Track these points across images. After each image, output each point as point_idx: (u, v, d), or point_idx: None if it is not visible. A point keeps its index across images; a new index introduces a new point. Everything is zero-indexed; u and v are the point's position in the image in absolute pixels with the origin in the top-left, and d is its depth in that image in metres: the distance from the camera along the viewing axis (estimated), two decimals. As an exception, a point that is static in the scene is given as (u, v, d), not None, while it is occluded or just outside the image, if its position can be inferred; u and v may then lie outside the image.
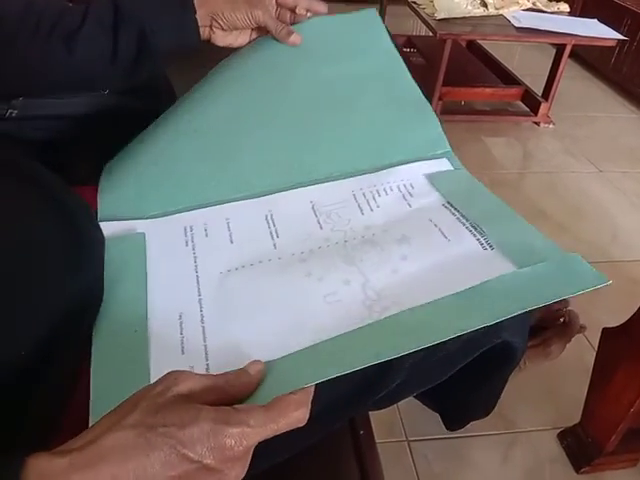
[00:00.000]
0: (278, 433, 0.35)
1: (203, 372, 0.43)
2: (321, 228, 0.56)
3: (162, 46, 0.62)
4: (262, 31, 0.70)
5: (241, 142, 0.64)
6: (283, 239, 0.55)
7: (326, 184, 0.62)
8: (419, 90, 0.69)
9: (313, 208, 0.59)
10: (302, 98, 0.68)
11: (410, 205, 0.59)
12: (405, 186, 0.61)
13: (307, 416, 0.37)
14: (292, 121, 0.66)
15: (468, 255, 0.51)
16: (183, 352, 0.45)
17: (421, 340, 0.41)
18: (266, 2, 0.67)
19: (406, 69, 0.71)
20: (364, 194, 0.60)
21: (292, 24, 0.70)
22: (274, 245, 0.55)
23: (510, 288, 0.46)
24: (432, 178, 0.62)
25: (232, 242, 0.55)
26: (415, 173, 0.63)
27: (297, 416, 0.36)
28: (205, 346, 0.45)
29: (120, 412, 0.33)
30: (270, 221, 0.57)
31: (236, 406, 0.34)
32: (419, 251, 0.52)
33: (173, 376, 0.35)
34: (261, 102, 0.67)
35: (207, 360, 0.44)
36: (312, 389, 0.38)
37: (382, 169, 0.63)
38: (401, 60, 0.71)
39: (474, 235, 0.53)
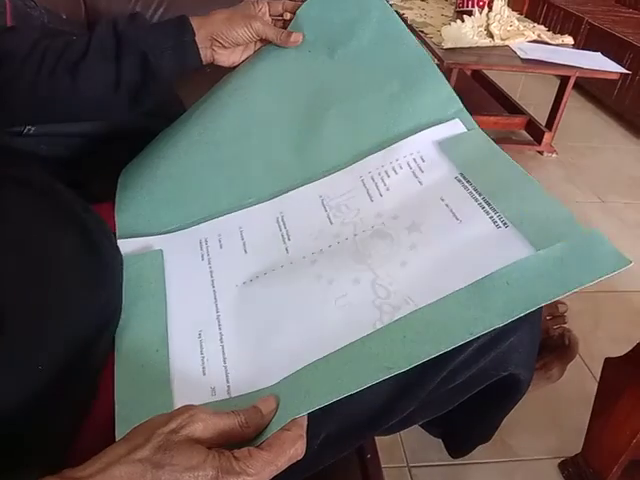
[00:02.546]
0: (279, 472, 0.36)
1: (224, 394, 0.44)
2: (331, 223, 0.56)
3: (165, 70, 0.64)
4: (264, 42, 0.71)
5: (250, 148, 0.64)
6: (294, 241, 0.55)
7: (334, 174, 0.60)
8: (423, 51, 0.66)
9: (323, 203, 0.58)
10: (305, 95, 0.67)
11: (421, 183, 0.56)
12: (415, 160, 0.58)
13: (304, 447, 0.37)
14: (297, 119, 0.65)
15: (481, 237, 0.48)
16: (204, 373, 0.45)
17: (433, 347, 0.40)
18: (260, 13, 0.68)
19: (406, 28, 0.68)
20: (372, 177, 0.58)
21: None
22: (286, 249, 0.55)
23: (525, 279, 0.42)
24: (443, 146, 0.59)
25: (246, 252, 0.56)
26: (426, 142, 0.59)
27: (295, 451, 0.36)
28: (225, 367, 0.45)
29: (132, 443, 0.34)
30: (281, 223, 0.58)
31: (236, 453, 0.35)
32: (429, 238, 0.50)
33: (189, 413, 0.36)
34: (266, 107, 0.66)
35: (228, 382, 0.44)
36: (305, 419, 0.39)
37: (391, 143, 0.60)
38: (399, 20, 0.68)
39: (487, 212, 0.50)
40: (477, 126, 0.60)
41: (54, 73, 0.60)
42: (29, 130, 0.70)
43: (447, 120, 0.62)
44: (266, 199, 0.60)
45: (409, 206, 0.54)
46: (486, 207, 0.50)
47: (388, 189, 0.57)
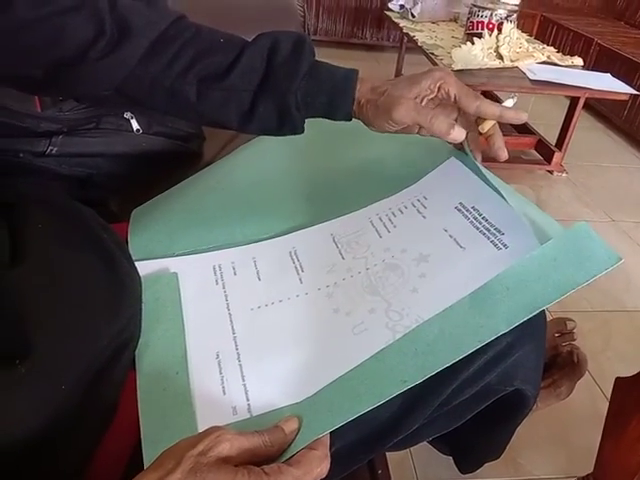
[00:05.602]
0: None
1: (245, 412, 0.45)
2: (343, 258, 0.58)
3: (303, 121, 0.58)
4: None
5: (265, 196, 0.69)
6: (308, 273, 0.57)
7: (343, 217, 0.64)
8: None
9: (334, 240, 0.61)
10: (320, 161, 0.73)
11: (425, 217, 0.59)
12: (419, 200, 0.62)
13: (329, 466, 0.39)
14: (311, 177, 0.70)
15: (483, 258, 0.51)
16: (224, 393, 0.46)
17: (445, 358, 0.42)
18: (412, 93, 0.56)
19: None
20: (380, 218, 0.62)
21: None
22: (300, 280, 0.56)
23: (524, 283, 0.45)
24: (442, 182, 0.62)
25: (260, 279, 0.57)
26: (427, 184, 0.64)
27: (321, 470, 0.38)
28: (244, 385, 0.46)
29: (163, 468, 0.35)
30: (294, 257, 0.59)
31: (266, 469, 0.36)
32: (436, 267, 0.53)
33: (215, 434, 0.37)
34: (284, 166, 0.72)
35: (248, 400, 0.45)
36: (328, 439, 0.40)
37: (397, 191, 0.64)
38: None
39: (488, 237, 0.53)
40: (469, 152, 0.63)
41: (182, 80, 0.54)
42: (51, 150, 0.73)
43: (444, 160, 0.66)
44: (278, 236, 0.63)
45: (415, 239, 0.57)
46: (486, 232, 0.54)
47: (395, 226, 0.60)
